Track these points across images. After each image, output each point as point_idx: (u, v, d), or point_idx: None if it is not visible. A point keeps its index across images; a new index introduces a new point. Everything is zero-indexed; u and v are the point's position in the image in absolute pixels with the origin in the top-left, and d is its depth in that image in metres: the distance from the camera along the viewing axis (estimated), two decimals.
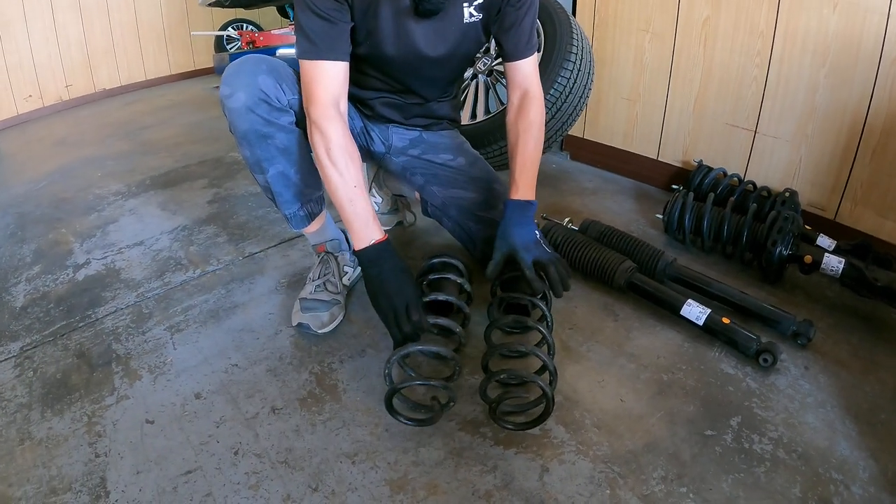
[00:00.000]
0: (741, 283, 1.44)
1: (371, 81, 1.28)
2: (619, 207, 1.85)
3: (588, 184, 2.02)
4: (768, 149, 1.65)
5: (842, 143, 1.50)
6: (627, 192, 1.95)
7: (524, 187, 1.20)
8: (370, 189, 1.73)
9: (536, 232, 1.18)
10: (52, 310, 1.37)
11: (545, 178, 2.06)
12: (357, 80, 1.24)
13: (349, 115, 1.32)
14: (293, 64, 1.17)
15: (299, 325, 1.26)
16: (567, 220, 1.64)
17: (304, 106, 1.12)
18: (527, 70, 1.24)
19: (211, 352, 1.24)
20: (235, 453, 1.01)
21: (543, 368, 1.09)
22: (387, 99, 1.32)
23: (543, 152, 1.95)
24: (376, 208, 1.72)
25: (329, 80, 1.10)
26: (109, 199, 1.89)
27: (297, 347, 1.25)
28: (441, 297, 1.16)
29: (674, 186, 1.77)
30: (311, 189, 1.27)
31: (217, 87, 3.20)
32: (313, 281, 1.33)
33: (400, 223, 1.75)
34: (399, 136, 1.40)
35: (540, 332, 1.11)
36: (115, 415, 1.09)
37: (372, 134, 1.39)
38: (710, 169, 1.70)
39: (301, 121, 1.20)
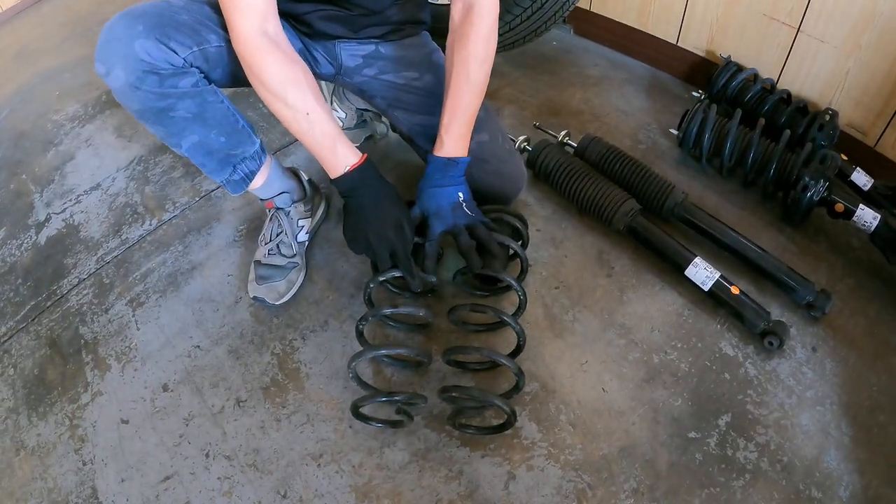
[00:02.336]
0: (759, 219, 1.25)
1: None
2: (627, 105, 1.56)
3: (593, 69, 1.69)
4: (811, 53, 1.29)
5: None
6: (639, 82, 1.63)
7: (451, 142, 1.01)
8: (331, 102, 1.48)
9: (460, 193, 1.02)
10: (21, 286, 1.32)
11: (542, 62, 1.73)
12: None
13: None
14: None
15: (255, 298, 1.17)
16: (564, 133, 1.40)
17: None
18: None
19: (172, 330, 1.18)
20: (207, 455, 1.01)
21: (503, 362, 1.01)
22: (326, 12, 1.04)
23: (539, 35, 1.61)
24: (341, 125, 1.48)
25: (246, 4, 0.89)
26: (66, 128, 1.72)
27: (258, 320, 1.18)
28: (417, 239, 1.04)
29: (695, 93, 1.45)
30: (243, 146, 1.06)
31: None
32: (266, 244, 1.20)
33: (370, 137, 1.52)
34: (349, 54, 1.13)
35: (504, 319, 0.99)
36: (93, 415, 1.08)
37: (315, 54, 1.13)
38: (738, 69, 1.37)
39: (212, 71, 0.97)
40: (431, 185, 1.02)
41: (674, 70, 1.60)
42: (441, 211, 1.01)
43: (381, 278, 1.02)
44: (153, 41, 0.86)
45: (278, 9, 1.01)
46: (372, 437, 1.00)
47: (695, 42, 1.51)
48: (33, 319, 1.24)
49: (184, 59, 0.90)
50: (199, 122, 0.97)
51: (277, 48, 0.92)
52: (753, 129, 1.24)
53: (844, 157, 1.20)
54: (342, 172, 0.98)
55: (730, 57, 1.41)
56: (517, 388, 0.97)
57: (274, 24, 0.93)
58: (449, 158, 1.01)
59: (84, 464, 1.02)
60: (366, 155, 1.00)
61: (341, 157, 0.97)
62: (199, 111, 0.96)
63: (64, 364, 1.15)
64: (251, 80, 0.94)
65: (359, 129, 1.50)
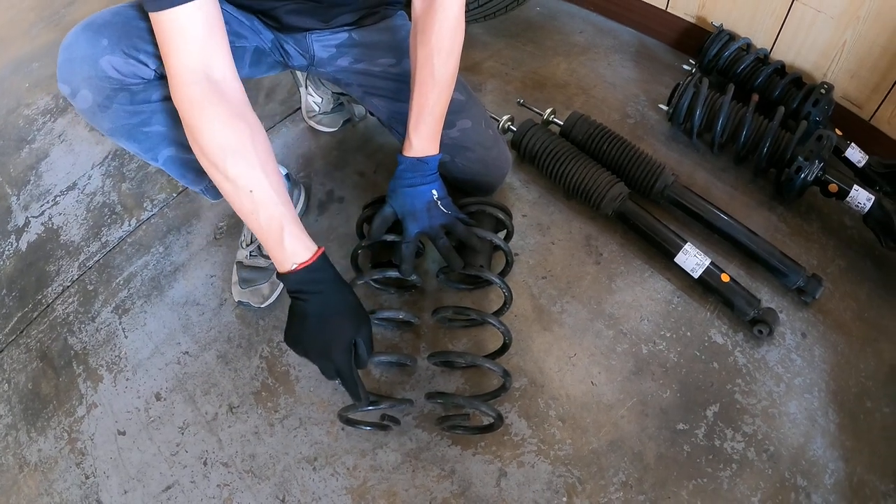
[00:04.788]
0: (751, 198, 1.23)
1: None
2: (614, 76, 1.50)
3: (578, 36, 1.61)
4: (807, 22, 1.23)
5: None
6: (626, 49, 1.56)
7: (420, 142, 0.96)
8: (306, 87, 1.42)
9: (434, 191, 0.98)
10: (6, 297, 1.30)
11: (525, 29, 1.66)
12: None
13: (254, 29, 1.00)
14: None
15: (239, 302, 1.16)
16: (549, 110, 1.35)
17: None
18: None
19: (160, 337, 1.17)
20: (204, 463, 1.02)
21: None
22: (293, 5, 0.98)
23: (522, 3, 1.52)
24: (317, 109, 1.43)
25: (182, 37, 0.75)
26: (38, 123, 1.66)
27: (244, 322, 1.17)
28: (390, 237, 1.01)
29: (685, 66, 1.39)
30: None
31: None
32: (247, 246, 1.18)
33: (348, 121, 1.47)
34: (321, 45, 1.07)
35: (487, 321, 0.98)
36: (90, 427, 1.08)
37: (286, 47, 1.07)
38: (731, 38, 1.30)
39: None
40: (403, 184, 0.98)
41: (662, 37, 1.53)
42: (416, 211, 0.97)
43: (360, 281, 1.01)
44: (120, 55, 0.80)
45: (242, 4, 0.95)
46: (364, 439, 1.01)
47: (685, 8, 1.44)
48: (22, 332, 1.23)
49: (154, 70, 0.84)
50: (177, 133, 0.92)
51: (221, 100, 0.78)
52: (746, 104, 1.20)
53: (839, 133, 1.16)
54: (288, 270, 0.83)
55: (721, 25, 1.34)
56: (504, 389, 0.97)
57: (221, 63, 0.79)
58: (418, 158, 0.97)
59: (87, 477, 1.03)
60: (321, 249, 0.85)
61: (289, 252, 0.82)
62: (175, 123, 0.91)
63: (56, 377, 1.15)
64: (188, 136, 0.81)
65: (336, 112, 1.45)
